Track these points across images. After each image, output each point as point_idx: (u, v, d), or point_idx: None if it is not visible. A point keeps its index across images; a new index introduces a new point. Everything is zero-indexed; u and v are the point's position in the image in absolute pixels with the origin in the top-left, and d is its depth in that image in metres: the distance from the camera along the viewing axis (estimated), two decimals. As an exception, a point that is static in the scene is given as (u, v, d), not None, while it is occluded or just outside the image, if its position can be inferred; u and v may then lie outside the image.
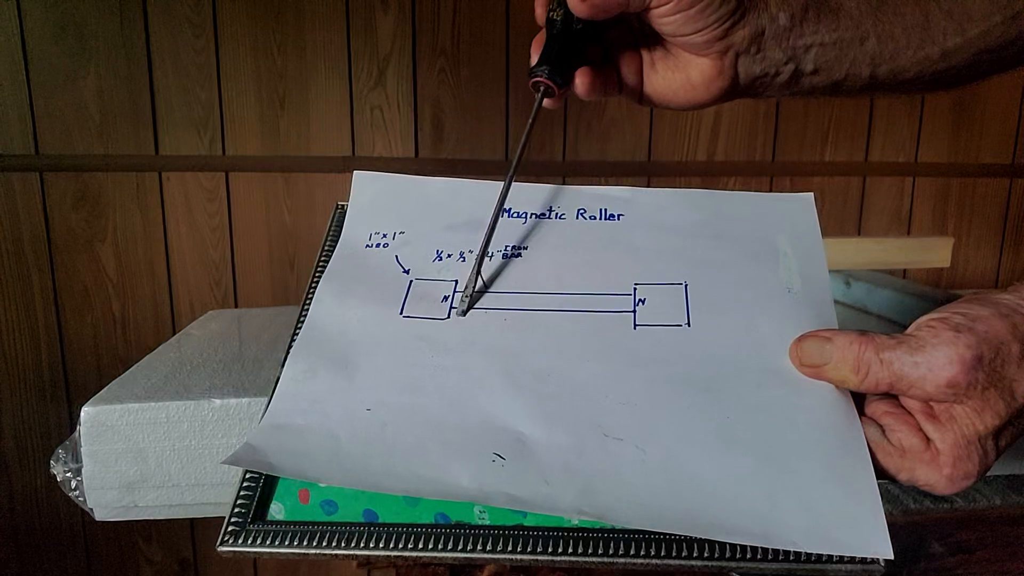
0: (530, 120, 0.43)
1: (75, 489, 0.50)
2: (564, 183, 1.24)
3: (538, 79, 0.43)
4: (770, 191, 1.33)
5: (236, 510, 0.33)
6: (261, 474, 0.34)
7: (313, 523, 0.33)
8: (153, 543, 1.26)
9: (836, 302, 0.87)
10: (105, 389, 0.52)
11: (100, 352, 1.21)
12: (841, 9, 0.43)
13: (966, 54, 0.43)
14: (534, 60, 0.44)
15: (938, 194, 1.40)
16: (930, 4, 0.43)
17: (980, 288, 1.42)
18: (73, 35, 1.11)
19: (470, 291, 0.41)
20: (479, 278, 0.41)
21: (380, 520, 0.33)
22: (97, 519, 0.52)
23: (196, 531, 1.26)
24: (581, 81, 0.43)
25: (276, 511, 0.34)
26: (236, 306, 1.23)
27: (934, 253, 0.90)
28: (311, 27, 1.16)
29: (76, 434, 0.50)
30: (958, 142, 1.38)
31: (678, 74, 0.45)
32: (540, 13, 0.45)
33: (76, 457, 0.50)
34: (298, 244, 1.22)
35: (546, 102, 0.44)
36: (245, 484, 0.34)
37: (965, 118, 1.37)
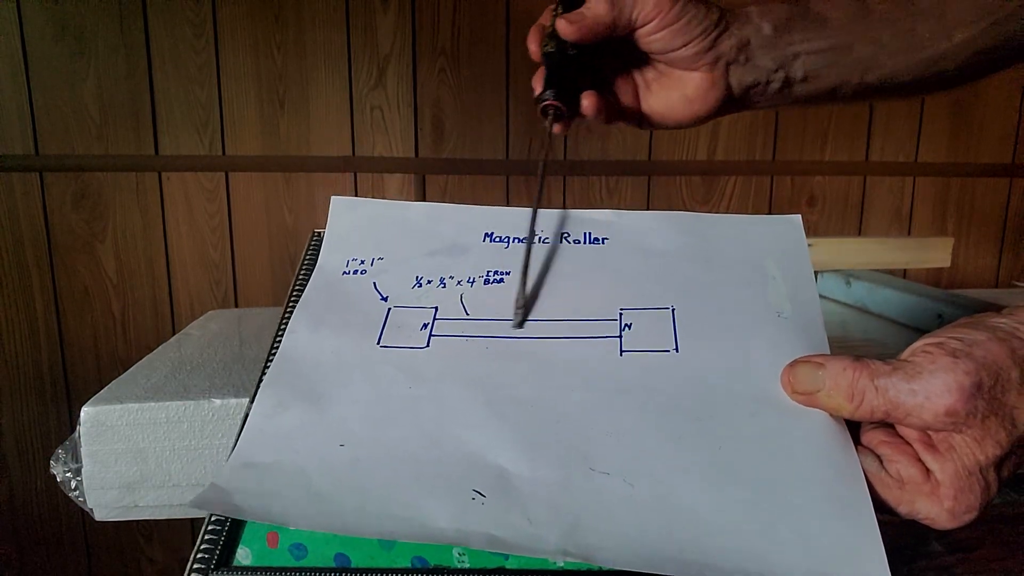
0: (546, 149, 0.44)
1: (75, 489, 0.50)
2: (565, 182, 1.25)
3: (547, 103, 0.43)
4: (770, 191, 1.34)
5: (200, 555, 0.31)
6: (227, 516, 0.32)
7: (282, 569, 0.31)
8: (153, 543, 1.26)
9: (836, 301, 0.87)
10: (105, 389, 0.52)
11: (100, 352, 1.21)
12: (826, 18, 0.44)
13: (955, 58, 0.44)
14: (537, 91, 0.44)
15: (938, 194, 1.40)
16: (916, 12, 0.43)
17: (980, 288, 1.42)
18: (73, 35, 1.11)
19: (520, 303, 0.39)
20: (524, 288, 0.40)
21: (353, 565, 0.31)
22: (97, 519, 0.52)
23: (196, 531, 1.26)
24: (588, 102, 0.44)
25: (243, 556, 0.32)
26: (236, 306, 1.23)
27: (934, 253, 0.90)
28: (311, 27, 1.16)
29: (76, 434, 0.50)
30: (958, 142, 1.38)
31: (673, 92, 0.46)
32: (535, 49, 0.45)
33: (76, 457, 0.50)
34: (298, 244, 1.22)
35: (556, 128, 0.45)
36: (210, 527, 0.32)
37: (965, 118, 1.37)
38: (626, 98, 0.47)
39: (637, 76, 0.48)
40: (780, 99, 0.46)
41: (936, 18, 0.43)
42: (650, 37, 0.43)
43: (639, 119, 0.48)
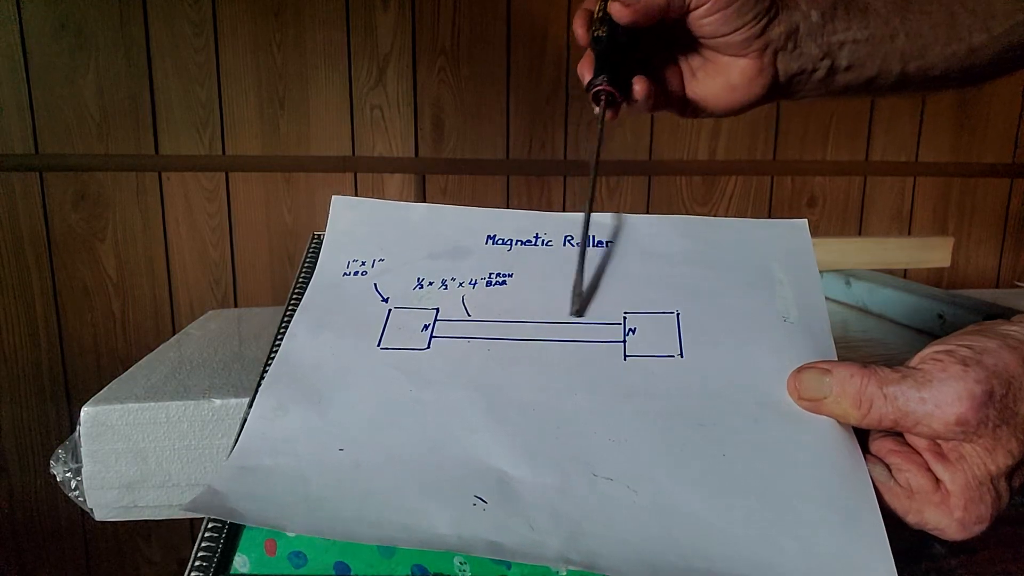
0: (599, 136, 0.43)
1: (75, 489, 0.50)
2: (565, 182, 1.24)
3: (600, 87, 0.43)
4: (770, 191, 1.34)
5: (197, 563, 0.31)
6: (225, 522, 0.32)
7: None
8: (153, 543, 1.26)
9: (836, 302, 0.87)
10: (105, 389, 0.52)
11: (100, 352, 1.20)
12: (869, 8, 0.44)
13: (992, 50, 0.44)
14: (587, 78, 0.44)
15: (939, 194, 1.40)
16: (955, 3, 0.43)
17: (981, 288, 1.42)
18: (73, 34, 1.11)
19: (578, 290, 0.39)
20: (581, 277, 0.40)
21: (352, 573, 0.31)
22: (97, 519, 0.51)
23: (196, 531, 1.26)
24: (640, 87, 0.44)
25: (240, 564, 0.31)
26: (236, 306, 1.23)
27: (935, 253, 0.89)
28: (311, 26, 1.16)
29: (76, 434, 0.50)
30: (959, 142, 1.38)
31: (719, 78, 0.46)
32: (582, 34, 0.45)
33: (76, 457, 0.50)
34: (298, 243, 1.22)
35: (608, 115, 0.44)
36: (207, 534, 0.32)
37: (966, 118, 1.37)
38: (672, 85, 0.47)
39: (683, 62, 0.47)
40: (822, 88, 0.46)
41: (975, 11, 0.43)
42: (702, 21, 0.43)
43: (683, 106, 0.48)
